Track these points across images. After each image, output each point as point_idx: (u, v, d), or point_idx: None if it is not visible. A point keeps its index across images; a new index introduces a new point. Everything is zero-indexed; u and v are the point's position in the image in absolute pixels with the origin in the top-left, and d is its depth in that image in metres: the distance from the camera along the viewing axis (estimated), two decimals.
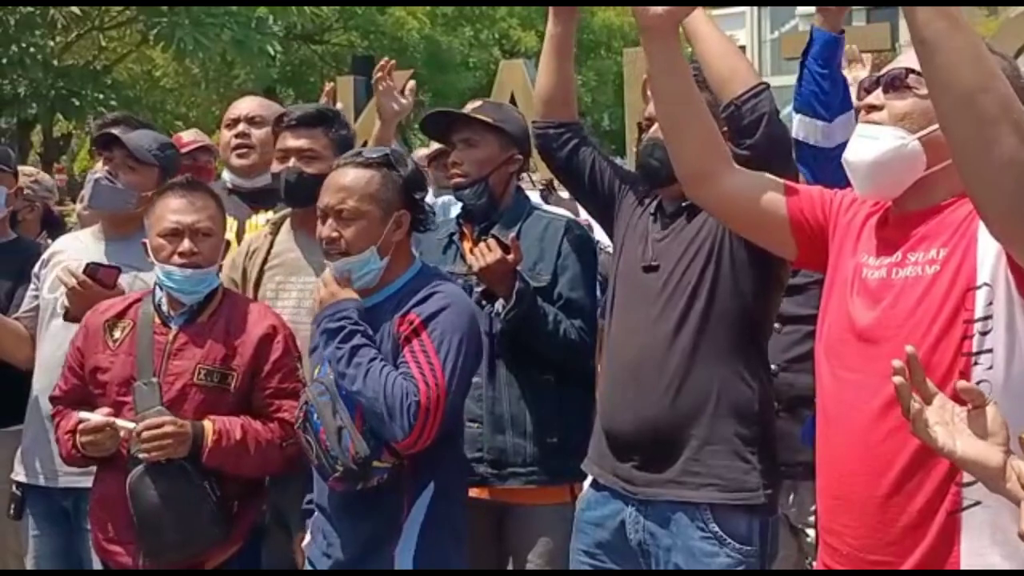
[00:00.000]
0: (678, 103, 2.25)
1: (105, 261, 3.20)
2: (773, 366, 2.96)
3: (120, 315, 2.88)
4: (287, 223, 3.22)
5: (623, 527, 2.60)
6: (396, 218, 2.58)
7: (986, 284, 1.76)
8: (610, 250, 3.45)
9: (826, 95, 2.79)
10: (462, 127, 3.09)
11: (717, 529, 2.49)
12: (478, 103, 3.22)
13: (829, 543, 1.94)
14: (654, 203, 2.73)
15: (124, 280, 3.14)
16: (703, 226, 2.59)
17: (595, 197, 2.87)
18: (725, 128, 2.48)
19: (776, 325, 2.90)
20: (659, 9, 2.10)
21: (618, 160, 3.32)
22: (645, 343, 2.58)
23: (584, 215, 3.34)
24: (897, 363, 1.58)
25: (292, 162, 3.06)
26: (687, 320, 2.55)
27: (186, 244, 2.77)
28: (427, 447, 2.46)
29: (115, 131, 3.40)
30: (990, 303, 1.76)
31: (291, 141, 3.10)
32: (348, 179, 2.57)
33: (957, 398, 1.61)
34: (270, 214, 3.40)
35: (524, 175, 3.19)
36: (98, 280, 3.02)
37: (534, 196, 3.28)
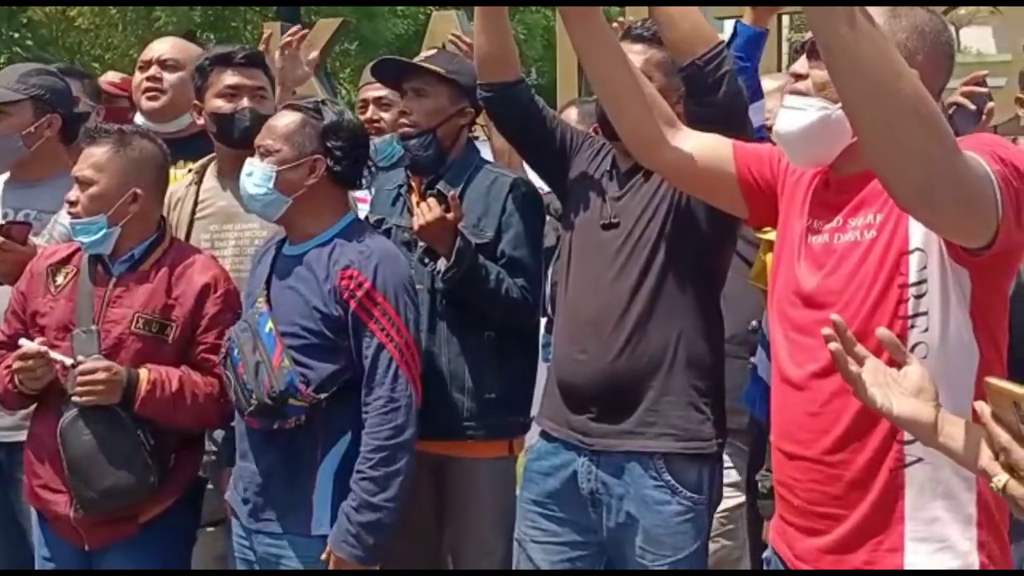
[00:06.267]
0: (611, 77, 2.30)
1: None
2: (754, 322, 3.04)
3: (65, 260, 2.85)
4: (211, 170, 3.17)
5: (575, 477, 2.66)
6: (309, 162, 2.65)
7: (919, 249, 1.81)
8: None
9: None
10: (413, 76, 3.05)
11: (670, 478, 2.57)
12: (432, 52, 3.18)
13: (782, 495, 2.01)
14: (608, 160, 2.75)
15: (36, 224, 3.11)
16: (662, 183, 2.62)
17: (546, 156, 2.87)
18: (683, 87, 2.51)
19: None
20: None
21: None
22: (605, 299, 2.62)
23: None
24: (827, 331, 1.63)
25: (245, 101, 3.04)
26: (647, 276, 2.60)
27: (70, 194, 2.78)
28: (344, 396, 2.58)
29: None
30: (924, 267, 1.80)
31: (242, 79, 3.07)
32: (275, 120, 2.72)
33: (892, 359, 1.66)
34: (189, 166, 3.31)
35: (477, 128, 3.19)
36: (12, 237, 2.97)
37: (485, 150, 3.27)
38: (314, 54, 3.67)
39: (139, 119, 3.57)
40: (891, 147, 1.56)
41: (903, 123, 1.53)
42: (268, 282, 2.70)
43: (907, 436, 1.79)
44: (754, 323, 3.07)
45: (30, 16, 15.35)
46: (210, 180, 3.16)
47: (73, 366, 2.65)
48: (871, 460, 1.85)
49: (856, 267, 1.87)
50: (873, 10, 1.82)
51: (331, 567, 2.58)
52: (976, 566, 1.82)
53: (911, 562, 1.83)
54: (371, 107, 3.71)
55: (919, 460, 1.82)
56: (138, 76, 3.61)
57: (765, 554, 2.21)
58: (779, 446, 2.00)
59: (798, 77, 1.95)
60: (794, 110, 1.93)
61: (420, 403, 2.65)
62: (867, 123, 1.57)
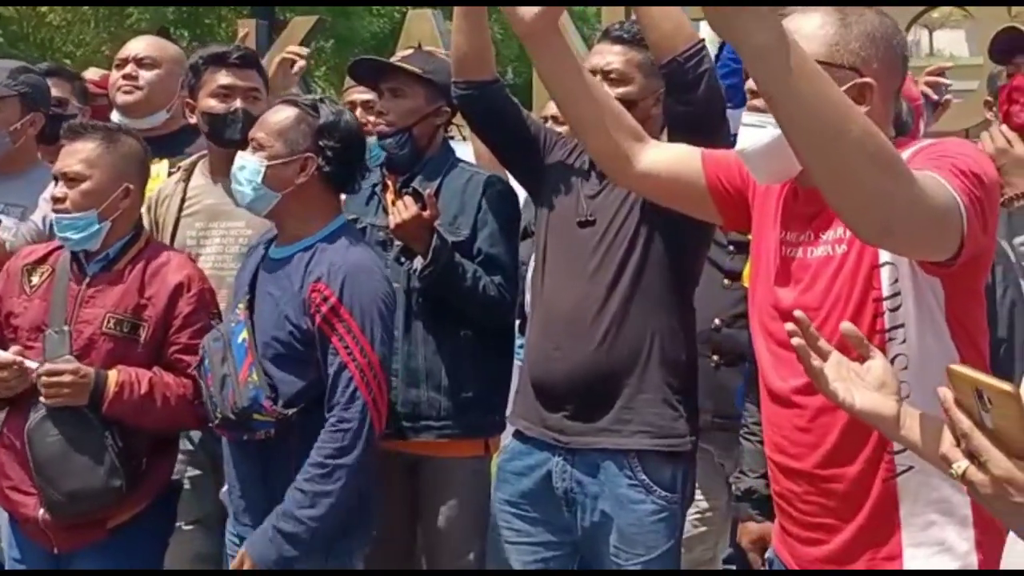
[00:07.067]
0: (576, 99, 2.30)
1: None
2: (717, 320, 3.05)
3: (41, 260, 2.82)
4: (199, 168, 3.16)
5: (549, 476, 2.67)
6: (300, 160, 2.60)
7: (889, 263, 1.80)
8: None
9: (733, 87, 2.84)
10: (390, 76, 3.06)
11: (644, 477, 2.59)
12: (409, 51, 3.20)
13: (781, 506, 2.02)
14: (584, 158, 2.76)
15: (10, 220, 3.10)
16: None
17: (519, 156, 2.87)
18: (662, 88, 2.53)
19: (725, 282, 2.98)
20: (531, 11, 2.20)
21: None
22: (581, 297, 2.64)
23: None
24: (790, 326, 1.64)
25: (238, 102, 3.03)
26: (623, 274, 2.62)
27: (55, 190, 2.74)
28: (320, 407, 2.53)
29: None
30: (896, 280, 1.80)
31: (236, 79, 3.06)
32: (270, 114, 2.67)
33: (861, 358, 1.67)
34: (165, 163, 3.32)
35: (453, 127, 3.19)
36: None
37: (462, 149, 3.27)
38: (301, 63, 3.70)
39: (115, 116, 3.57)
40: (846, 189, 1.53)
41: (855, 165, 1.50)
42: (253, 285, 2.66)
43: (896, 446, 1.79)
44: (716, 321, 3.09)
45: (0, 12, 15.19)
46: (198, 178, 3.15)
47: (39, 376, 2.62)
48: (863, 472, 1.86)
49: (830, 283, 1.86)
50: (824, 19, 1.82)
51: (235, 565, 2.54)
52: (975, 566, 1.82)
53: (911, 567, 1.84)
54: (359, 109, 3.70)
55: (910, 468, 1.82)
56: (115, 74, 3.61)
57: (768, 554, 2.22)
58: (772, 458, 2.01)
59: (754, 93, 1.89)
60: (753, 127, 1.89)
61: (381, 428, 2.57)
62: (819, 168, 1.54)
